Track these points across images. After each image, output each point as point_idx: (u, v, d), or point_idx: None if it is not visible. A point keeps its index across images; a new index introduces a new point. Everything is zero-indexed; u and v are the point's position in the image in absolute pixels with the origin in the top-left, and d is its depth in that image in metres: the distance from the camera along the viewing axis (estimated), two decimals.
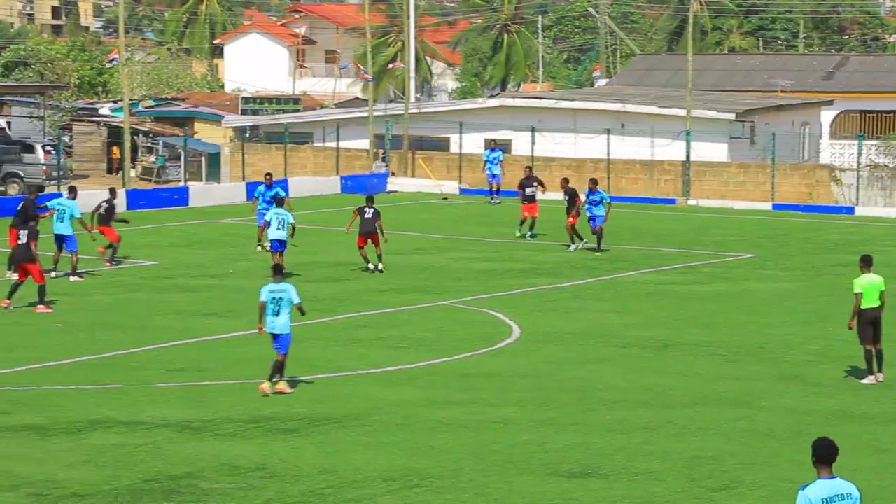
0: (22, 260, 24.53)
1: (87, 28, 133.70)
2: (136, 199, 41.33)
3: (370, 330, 23.21)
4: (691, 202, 45.68)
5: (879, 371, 19.57)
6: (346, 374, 19.36)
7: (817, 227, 39.78)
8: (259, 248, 31.60)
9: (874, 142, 49.61)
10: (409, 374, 19.83)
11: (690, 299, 26.83)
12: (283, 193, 31.84)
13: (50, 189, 39.91)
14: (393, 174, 49.13)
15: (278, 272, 18.70)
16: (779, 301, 26.77)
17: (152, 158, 56.23)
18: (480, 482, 14.42)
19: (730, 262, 32.04)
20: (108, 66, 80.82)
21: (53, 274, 27.52)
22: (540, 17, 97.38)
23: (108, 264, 29.74)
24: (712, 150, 47.43)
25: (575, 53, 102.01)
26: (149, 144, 57.22)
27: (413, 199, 45.93)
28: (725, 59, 71.22)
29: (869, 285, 19.51)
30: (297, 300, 18.24)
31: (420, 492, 14.07)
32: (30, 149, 49.92)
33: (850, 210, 43.80)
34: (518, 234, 35.49)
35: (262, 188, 32.57)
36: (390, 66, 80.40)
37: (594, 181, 33.23)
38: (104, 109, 64.29)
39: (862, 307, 19.42)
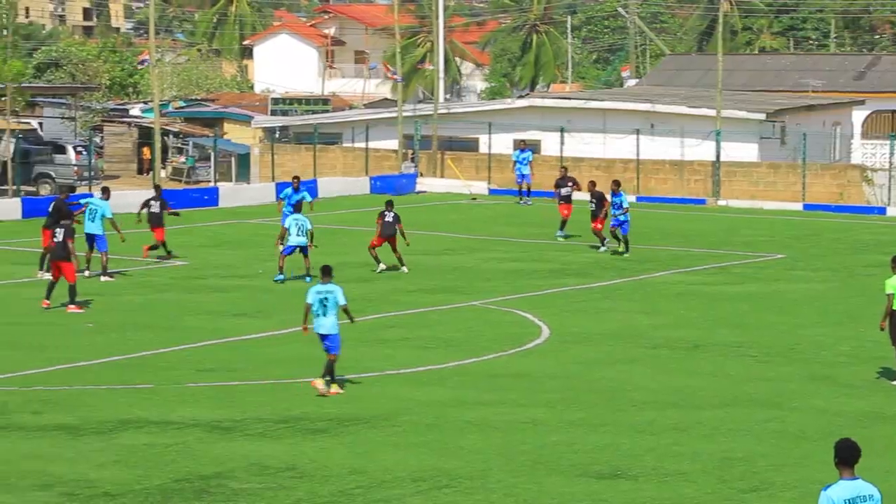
0: (58, 258, 24.67)
1: (117, 29, 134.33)
2: (166, 200, 41.43)
3: (399, 330, 23.24)
4: (721, 202, 45.51)
5: None
6: (375, 375, 19.39)
7: (848, 228, 39.56)
8: (310, 246, 31.72)
9: None
10: (438, 375, 19.83)
11: (720, 300, 26.73)
12: (308, 198, 32.09)
13: (81, 190, 40.11)
14: (422, 174, 49.16)
15: (326, 273, 18.67)
16: (810, 302, 26.65)
17: (182, 159, 56.47)
18: (510, 483, 14.41)
19: (760, 263, 31.90)
20: (139, 67, 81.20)
21: (87, 273, 27.67)
22: (569, 18, 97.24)
23: (148, 256, 30.50)
24: (742, 151, 47.24)
25: (604, 54, 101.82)
26: (179, 145, 57.46)
27: (442, 199, 45.95)
28: (756, 59, 70.93)
29: None
30: (342, 301, 18.28)
31: (449, 492, 14.07)
32: (61, 149, 50.22)
33: (882, 210, 43.53)
34: (565, 239, 35.06)
35: (288, 191, 32.65)
36: (419, 66, 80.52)
37: (616, 182, 32.93)
38: (135, 110, 64.61)
39: (894, 308, 19.30)
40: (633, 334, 22.97)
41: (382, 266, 29.14)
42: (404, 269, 29.39)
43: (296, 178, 33.71)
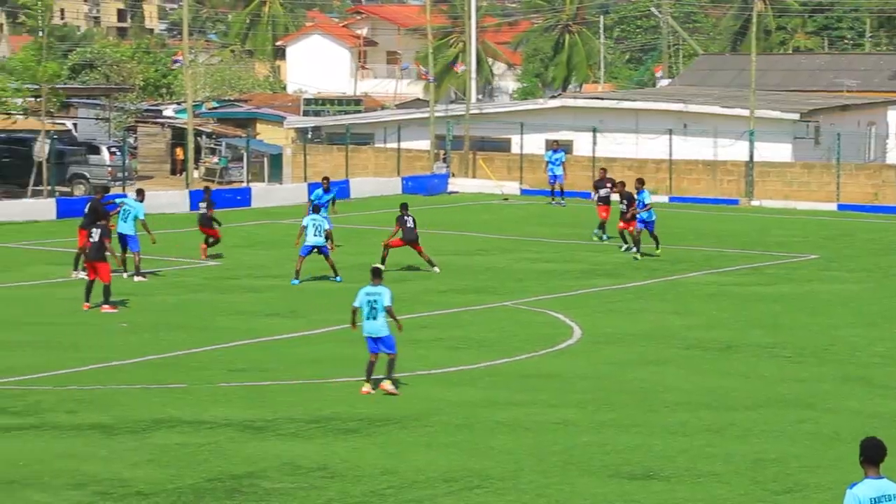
0: (94, 259, 24.82)
1: (151, 30, 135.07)
2: (199, 200, 41.61)
3: (431, 331, 23.24)
4: (754, 203, 45.30)
5: None
6: (407, 375, 19.39)
7: (883, 228, 39.29)
8: (331, 247, 31.85)
9: None
10: (469, 375, 19.82)
11: (753, 300, 26.60)
12: (335, 198, 32.46)
13: (114, 190, 40.33)
14: (453, 175, 49.16)
15: (376, 275, 18.67)
16: (844, 302, 26.48)
17: (215, 159, 56.69)
18: (541, 483, 14.39)
19: (793, 264, 31.73)
20: (172, 68, 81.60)
21: (125, 275, 27.80)
22: (602, 18, 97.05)
23: (203, 256, 31.04)
24: (776, 151, 47.01)
25: (637, 53, 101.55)
26: (212, 146, 57.70)
27: (474, 199, 45.93)
28: (790, 59, 70.59)
29: None
30: (387, 303, 18.29)
31: (481, 493, 14.06)
32: (95, 150, 50.53)
33: None
34: (599, 239, 34.79)
35: (319, 192, 32.76)
36: (453, 66, 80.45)
37: (640, 181, 32.57)
38: (168, 111, 64.97)
39: None
40: (665, 335, 22.89)
41: (382, 267, 28.92)
42: (435, 269, 29.40)
43: (325, 179, 33.85)
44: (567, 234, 36.26)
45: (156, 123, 59.28)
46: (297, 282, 27.96)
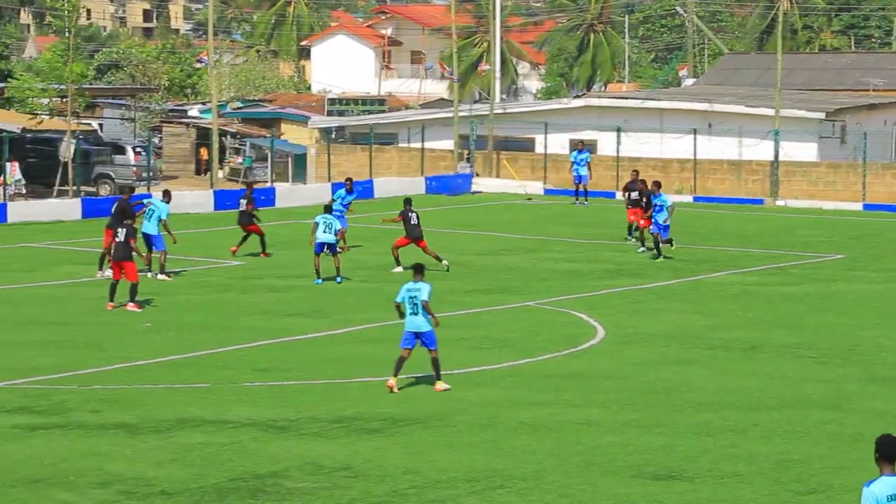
0: (120, 258, 24.93)
1: (177, 31, 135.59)
2: (223, 200, 41.82)
3: (454, 330, 23.23)
4: (779, 202, 45.13)
5: None
6: (429, 375, 19.40)
7: None
8: (343, 248, 31.87)
9: None
10: (492, 375, 19.83)
11: (778, 300, 26.50)
12: (353, 199, 32.70)
13: (139, 190, 40.49)
14: (477, 175, 49.15)
15: (418, 271, 18.76)
16: (869, 303, 26.35)
17: (239, 159, 56.85)
18: (564, 483, 14.38)
19: (819, 263, 31.60)
20: (197, 68, 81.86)
21: (150, 275, 27.90)
22: (626, 17, 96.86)
23: (262, 255, 31.37)
24: (801, 150, 46.83)
25: (662, 53, 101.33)
26: (236, 145, 57.87)
27: (497, 199, 45.91)
28: (816, 58, 70.28)
29: None
30: (424, 297, 18.37)
31: (503, 493, 14.06)
32: (121, 150, 50.74)
33: None
34: (628, 240, 34.39)
35: (342, 192, 32.81)
36: (479, 67, 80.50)
37: (657, 184, 32.05)
38: (193, 111, 65.17)
39: None
40: (688, 335, 22.84)
41: (399, 269, 28.92)
42: (444, 262, 29.29)
43: (349, 179, 33.99)
44: (591, 234, 36.20)
45: (181, 123, 59.49)
46: (319, 281, 28.01)
